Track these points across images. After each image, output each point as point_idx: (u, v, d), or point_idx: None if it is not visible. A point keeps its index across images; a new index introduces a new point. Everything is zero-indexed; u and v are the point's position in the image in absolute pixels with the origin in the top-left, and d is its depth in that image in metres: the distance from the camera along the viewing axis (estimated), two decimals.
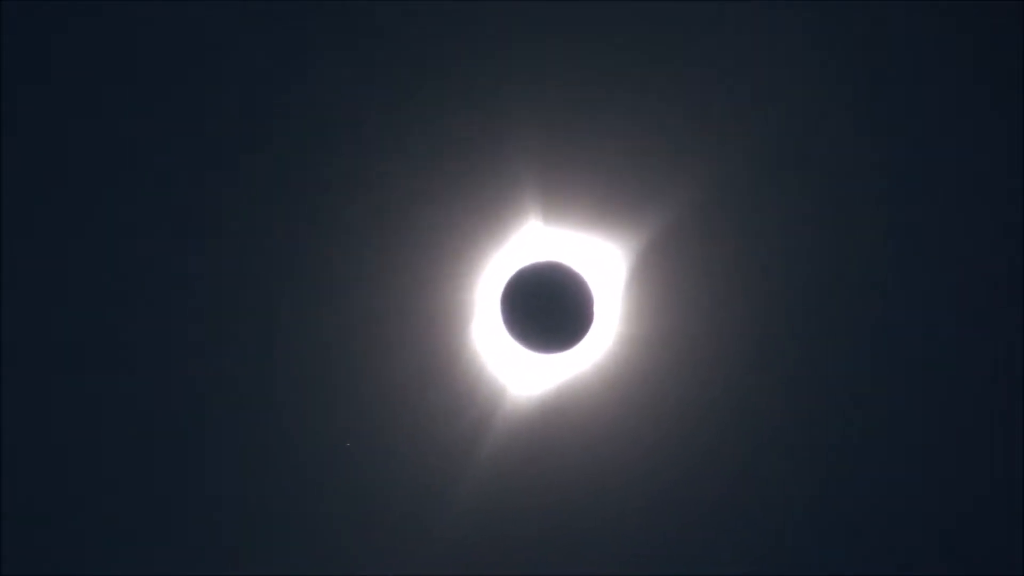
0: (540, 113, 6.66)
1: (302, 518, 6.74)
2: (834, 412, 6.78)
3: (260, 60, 6.67)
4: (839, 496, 6.78)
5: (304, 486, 6.76)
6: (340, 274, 6.74)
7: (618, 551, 6.78)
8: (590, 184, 6.68)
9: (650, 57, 6.65)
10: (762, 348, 6.77)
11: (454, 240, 6.71)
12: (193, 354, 6.66)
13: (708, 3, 6.60)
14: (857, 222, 6.76)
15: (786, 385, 6.79)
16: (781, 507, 6.81)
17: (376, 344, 6.73)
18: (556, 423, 6.75)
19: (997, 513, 6.73)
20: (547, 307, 6.69)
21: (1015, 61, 6.72)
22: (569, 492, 6.76)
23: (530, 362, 6.79)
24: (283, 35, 6.68)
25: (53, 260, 6.62)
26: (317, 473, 6.76)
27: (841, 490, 6.78)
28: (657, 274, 6.72)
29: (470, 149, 6.69)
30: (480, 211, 6.70)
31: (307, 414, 6.77)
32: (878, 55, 6.73)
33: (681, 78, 6.67)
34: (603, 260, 6.74)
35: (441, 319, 6.74)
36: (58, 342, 6.63)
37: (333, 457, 6.77)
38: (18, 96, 6.60)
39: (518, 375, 6.81)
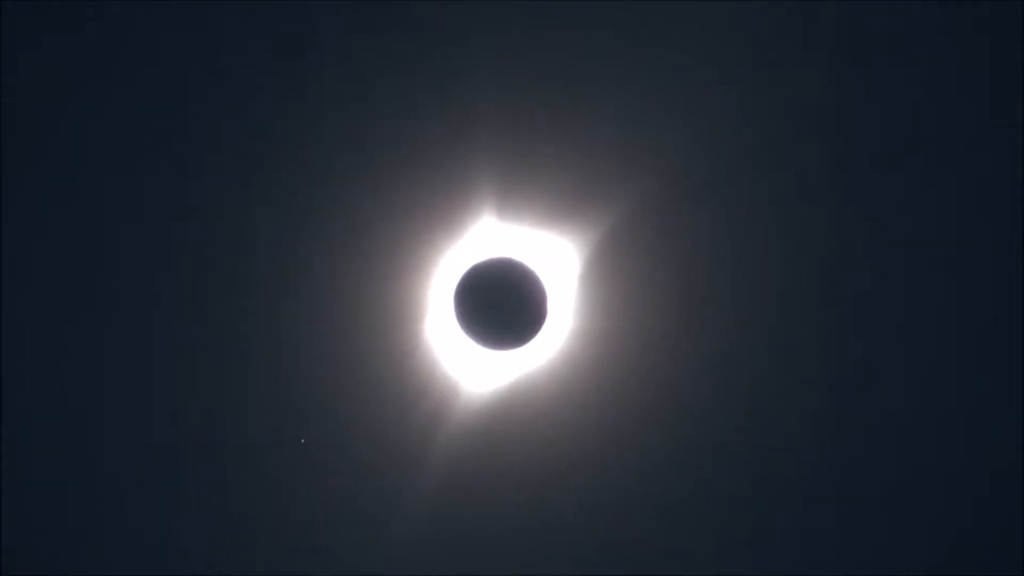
0: (495, 109, 6.63)
1: (255, 515, 6.73)
2: (791, 404, 6.81)
3: (219, 60, 6.64)
4: (801, 489, 6.82)
5: (257, 483, 6.74)
6: (293, 270, 6.71)
7: (571, 548, 6.80)
8: (544, 180, 6.67)
9: (604, 55, 6.64)
10: (716, 342, 6.79)
11: (407, 236, 6.69)
12: (147, 356, 6.64)
13: (663, 3, 6.59)
14: (813, 216, 6.77)
15: (740, 378, 6.81)
16: (738, 500, 6.84)
17: (329, 340, 6.71)
18: (510, 419, 6.76)
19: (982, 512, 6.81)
20: (501, 303, 6.69)
21: (985, 65, 6.75)
22: (523, 488, 6.77)
23: (484, 358, 6.79)
24: (240, 35, 6.63)
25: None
26: (270, 469, 6.75)
27: (803, 483, 6.82)
28: (610, 270, 6.72)
29: (424, 145, 6.66)
30: (434, 207, 6.67)
31: (260, 410, 6.75)
32: (835, 50, 6.73)
33: (635, 75, 6.66)
34: (557, 256, 6.73)
35: (394, 315, 6.73)
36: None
37: (287, 454, 6.75)
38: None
39: (472, 371, 6.81)
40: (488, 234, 6.73)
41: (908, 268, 6.75)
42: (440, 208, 6.67)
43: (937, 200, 6.76)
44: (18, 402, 6.59)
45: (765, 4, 6.59)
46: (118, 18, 6.57)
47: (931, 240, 6.75)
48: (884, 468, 6.78)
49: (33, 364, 6.61)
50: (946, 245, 6.76)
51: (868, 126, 6.69)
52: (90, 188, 6.61)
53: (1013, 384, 6.71)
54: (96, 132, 6.61)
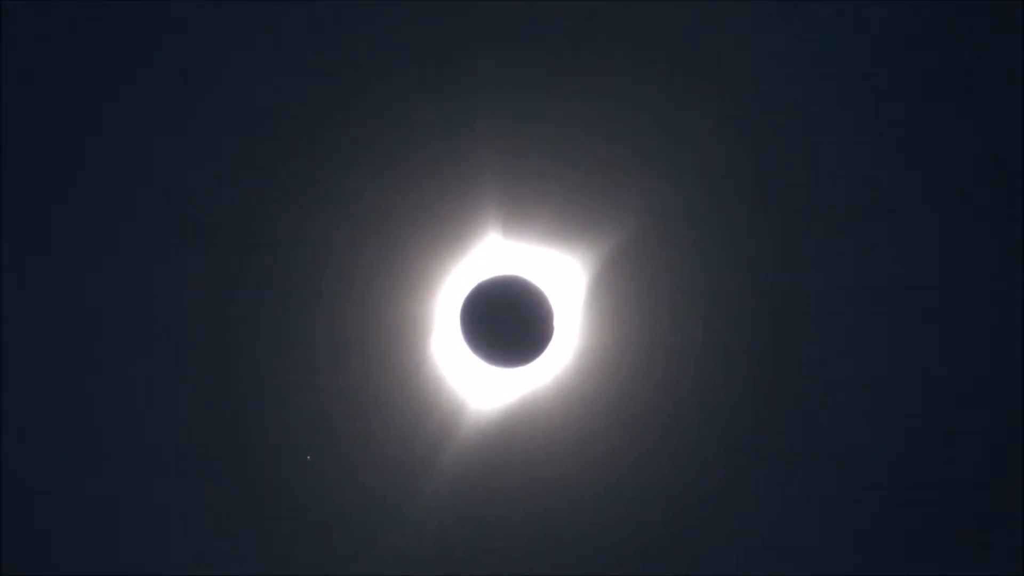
0: (501, 126, 6.62)
1: (261, 533, 6.73)
2: (798, 422, 6.78)
3: (224, 67, 6.63)
4: (805, 507, 6.79)
5: (261, 498, 6.75)
6: (298, 288, 6.71)
7: (577, 565, 6.79)
8: (550, 198, 6.66)
9: (611, 71, 6.62)
10: (722, 360, 6.76)
11: (413, 254, 6.68)
12: (152, 371, 6.65)
13: (671, 18, 6.56)
14: (823, 231, 6.74)
15: (746, 396, 6.79)
16: (743, 517, 6.82)
17: (335, 358, 6.71)
18: (516, 437, 6.75)
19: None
20: (507, 321, 6.68)
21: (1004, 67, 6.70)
22: (529, 506, 6.76)
23: (490, 376, 6.78)
24: (246, 41, 6.63)
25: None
26: (276, 487, 6.75)
27: (808, 502, 6.79)
28: (617, 287, 6.70)
29: (430, 162, 6.65)
30: (440, 224, 6.67)
31: (267, 428, 6.75)
32: (845, 64, 6.70)
33: (642, 91, 6.63)
34: (563, 273, 6.72)
35: (400, 333, 6.72)
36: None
37: (293, 471, 6.75)
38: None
39: (478, 389, 6.80)
40: (494, 252, 6.71)
41: (924, 281, 6.71)
42: (445, 226, 6.66)
43: (961, 208, 6.72)
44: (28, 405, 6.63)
45: (776, 20, 6.56)
46: (121, 19, 6.59)
47: (949, 250, 6.71)
48: (899, 484, 6.75)
49: (47, 366, 6.65)
50: (972, 255, 6.72)
51: (876, 145, 6.67)
52: (89, 197, 6.63)
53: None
54: (95, 139, 6.63)
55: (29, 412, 6.62)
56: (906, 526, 6.76)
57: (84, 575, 6.69)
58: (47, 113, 6.60)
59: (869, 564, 6.78)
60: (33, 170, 6.60)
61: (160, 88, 6.63)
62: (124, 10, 6.58)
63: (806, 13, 6.58)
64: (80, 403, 6.67)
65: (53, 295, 6.63)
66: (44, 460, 6.64)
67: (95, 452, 6.67)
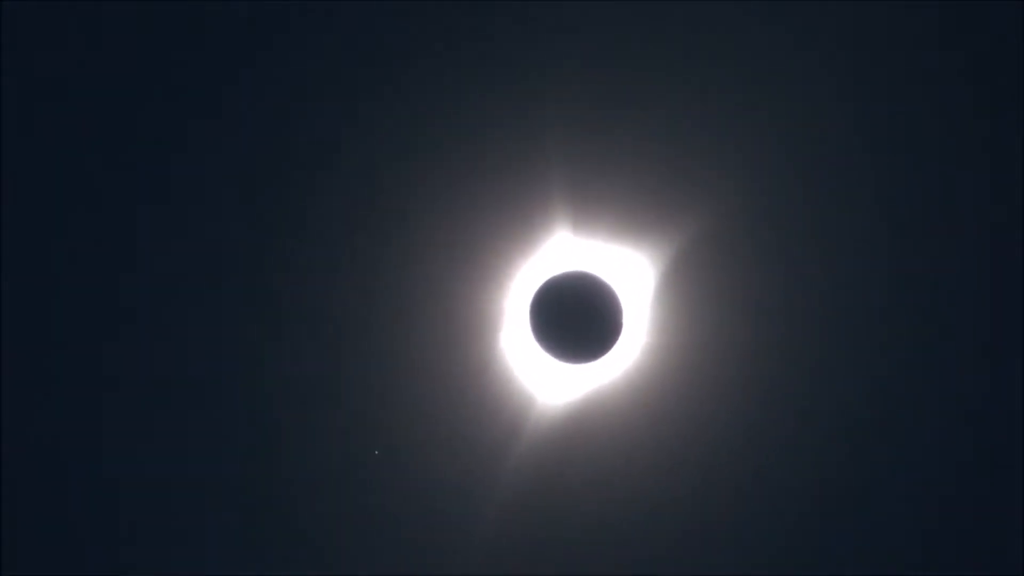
0: (571, 124, 6.69)
1: (332, 526, 6.78)
2: (865, 423, 6.79)
3: (285, 68, 6.73)
4: (867, 505, 6.79)
5: (333, 494, 6.79)
6: (370, 284, 6.78)
7: (644, 558, 6.80)
8: (619, 195, 6.71)
9: (683, 69, 6.68)
10: (789, 359, 6.79)
11: (484, 250, 6.75)
12: (230, 368, 6.73)
13: (744, 19, 6.63)
14: (890, 235, 6.76)
15: (814, 395, 6.80)
16: (807, 514, 6.82)
17: (406, 353, 6.77)
18: (584, 432, 6.78)
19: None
20: (576, 317, 6.73)
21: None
22: (597, 500, 6.79)
23: (559, 371, 6.83)
24: (309, 40, 6.73)
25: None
26: (347, 482, 6.80)
27: (870, 500, 6.79)
28: (685, 285, 6.75)
29: (501, 160, 6.72)
30: (510, 221, 6.73)
31: (338, 423, 6.80)
32: (917, 68, 6.75)
33: (714, 90, 6.69)
34: (632, 270, 6.77)
35: (471, 328, 6.78)
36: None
37: (362, 466, 6.80)
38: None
39: (547, 384, 6.84)
40: (563, 248, 6.78)
41: (995, 287, 6.73)
42: (516, 223, 6.73)
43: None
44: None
45: (861, 29, 6.61)
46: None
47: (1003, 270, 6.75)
48: (981, 475, 6.75)
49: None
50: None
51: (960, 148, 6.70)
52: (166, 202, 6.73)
53: None
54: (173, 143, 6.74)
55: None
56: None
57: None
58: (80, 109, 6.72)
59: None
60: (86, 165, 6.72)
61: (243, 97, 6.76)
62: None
63: (890, 12, 6.64)
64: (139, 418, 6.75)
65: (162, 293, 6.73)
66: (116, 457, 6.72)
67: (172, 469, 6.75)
